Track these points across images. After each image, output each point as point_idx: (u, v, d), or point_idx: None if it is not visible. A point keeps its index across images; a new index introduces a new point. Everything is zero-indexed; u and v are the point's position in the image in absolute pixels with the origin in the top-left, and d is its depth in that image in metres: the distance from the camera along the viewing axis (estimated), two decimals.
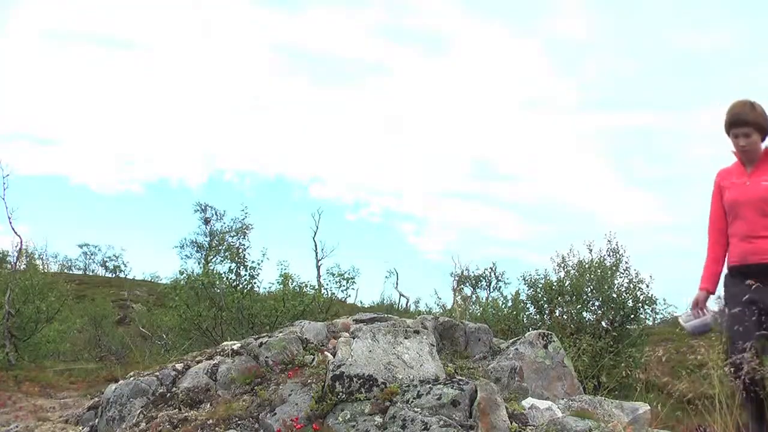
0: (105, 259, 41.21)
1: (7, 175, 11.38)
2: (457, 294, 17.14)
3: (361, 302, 18.14)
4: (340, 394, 2.84)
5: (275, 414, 3.04)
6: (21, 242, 12.17)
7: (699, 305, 3.10)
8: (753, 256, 2.97)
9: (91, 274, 38.01)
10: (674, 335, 12.01)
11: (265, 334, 4.28)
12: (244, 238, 9.16)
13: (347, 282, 9.90)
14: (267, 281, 9.15)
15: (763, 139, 3.13)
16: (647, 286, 9.31)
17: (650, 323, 9.96)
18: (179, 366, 3.97)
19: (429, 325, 4.05)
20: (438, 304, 12.77)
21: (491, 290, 19.72)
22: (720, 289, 3.15)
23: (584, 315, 9.49)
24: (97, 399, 4.62)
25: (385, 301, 17.95)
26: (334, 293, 9.65)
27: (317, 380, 3.21)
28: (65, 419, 4.86)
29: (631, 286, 9.39)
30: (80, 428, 4.24)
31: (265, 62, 60.64)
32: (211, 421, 3.16)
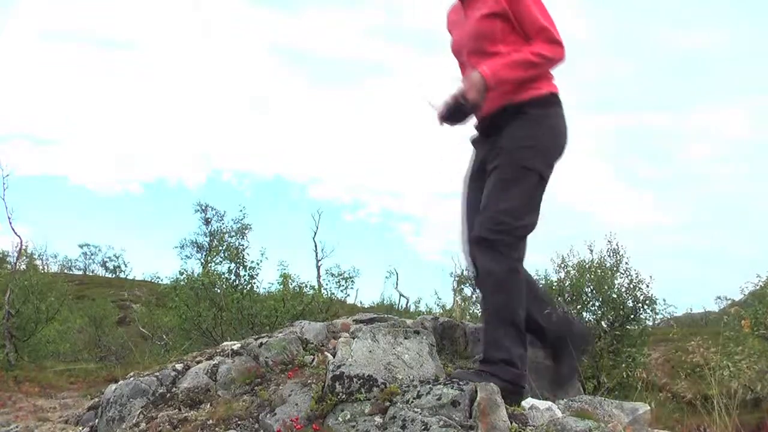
0: (105, 259, 41.32)
1: (7, 175, 11.39)
2: (457, 294, 17.12)
3: (361, 302, 18.17)
4: (340, 394, 2.83)
5: (275, 414, 3.04)
6: (21, 242, 12.19)
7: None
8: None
9: (91, 274, 38.06)
10: (673, 335, 12.03)
11: (265, 335, 4.28)
12: (243, 238, 9.16)
13: (347, 282, 9.94)
14: (267, 281, 9.18)
15: None
16: (647, 287, 9.31)
17: (650, 323, 9.97)
18: (179, 366, 3.97)
19: (429, 326, 4.05)
20: (438, 305, 12.78)
21: None
22: None
23: (584, 315, 9.49)
24: (97, 399, 4.62)
25: (385, 302, 17.96)
26: (333, 293, 9.68)
27: (317, 380, 3.21)
28: (65, 419, 4.86)
29: (631, 286, 9.38)
30: (80, 428, 4.24)
31: (264, 62, 60.78)
32: (211, 421, 3.16)
